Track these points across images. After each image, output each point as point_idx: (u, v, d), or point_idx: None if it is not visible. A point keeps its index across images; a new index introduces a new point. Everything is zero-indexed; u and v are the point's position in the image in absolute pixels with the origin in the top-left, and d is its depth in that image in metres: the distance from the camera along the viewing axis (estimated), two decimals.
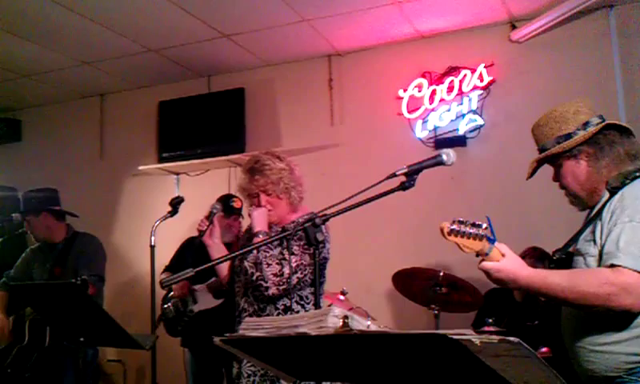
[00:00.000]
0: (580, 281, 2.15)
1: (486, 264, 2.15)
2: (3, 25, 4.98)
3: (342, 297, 4.31)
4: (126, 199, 6.47)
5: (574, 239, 2.40)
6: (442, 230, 2.12)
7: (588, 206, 2.46)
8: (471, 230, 2.10)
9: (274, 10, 4.82)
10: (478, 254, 2.15)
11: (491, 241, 2.13)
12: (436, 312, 4.14)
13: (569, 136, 2.43)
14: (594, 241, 2.26)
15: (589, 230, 2.34)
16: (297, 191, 3.16)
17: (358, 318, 1.46)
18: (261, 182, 3.12)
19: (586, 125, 2.42)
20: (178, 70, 6.00)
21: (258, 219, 3.08)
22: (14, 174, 6.72)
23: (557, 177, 2.54)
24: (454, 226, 2.11)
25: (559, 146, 2.44)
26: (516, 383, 1.27)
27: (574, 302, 2.16)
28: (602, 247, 2.21)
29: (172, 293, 4.52)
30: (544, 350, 3.72)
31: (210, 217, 3.27)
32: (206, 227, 3.25)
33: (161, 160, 6.14)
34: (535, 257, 4.42)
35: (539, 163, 2.56)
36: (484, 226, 2.12)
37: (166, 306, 4.53)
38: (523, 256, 4.47)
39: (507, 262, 2.15)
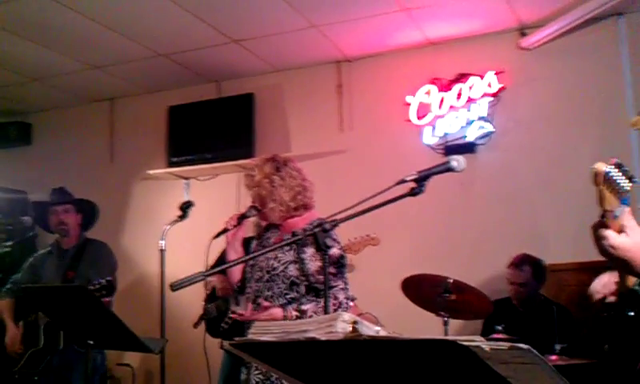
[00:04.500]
0: None
1: (610, 235, 1.73)
2: (13, 28, 5.01)
3: (350, 303, 4.31)
4: (135, 203, 6.49)
5: None
6: (596, 174, 1.70)
7: None
8: (622, 183, 1.69)
9: (284, 16, 4.84)
10: (605, 213, 1.73)
11: (625, 202, 1.72)
12: (445, 319, 4.14)
13: None
14: None
15: None
16: (287, 197, 3.14)
17: (368, 324, 1.46)
18: (250, 185, 3.22)
19: None
20: (187, 74, 6.02)
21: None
22: (24, 177, 6.73)
23: None
24: (612, 171, 1.68)
25: None
26: None
27: None
28: None
29: (216, 292, 4.48)
30: (553, 358, 3.71)
31: (241, 218, 3.26)
32: (232, 226, 3.25)
33: (170, 164, 6.16)
34: (510, 263, 4.45)
35: None
36: (636, 179, 1.70)
37: (209, 305, 4.50)
38: (515, 264, 4.48)
39: (628, 242, 1.73)
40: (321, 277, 2.92)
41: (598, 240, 1.74)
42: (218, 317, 4.43)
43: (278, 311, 2.98)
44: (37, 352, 4.38)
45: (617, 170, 1.68)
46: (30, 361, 4.37)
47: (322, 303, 2.91)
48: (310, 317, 2.94)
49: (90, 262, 4.54)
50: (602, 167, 1.68)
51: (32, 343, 4.41)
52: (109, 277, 3.95)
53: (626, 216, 1.73)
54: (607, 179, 1.68)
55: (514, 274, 4.47)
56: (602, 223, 1.73)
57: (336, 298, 2.98)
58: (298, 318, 2.93)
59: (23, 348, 4.43)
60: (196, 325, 4.42)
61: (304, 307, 2.98)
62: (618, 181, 1.68)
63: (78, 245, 4.68)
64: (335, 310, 2.97)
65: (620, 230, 1.73)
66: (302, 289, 3.03)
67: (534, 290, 4.48)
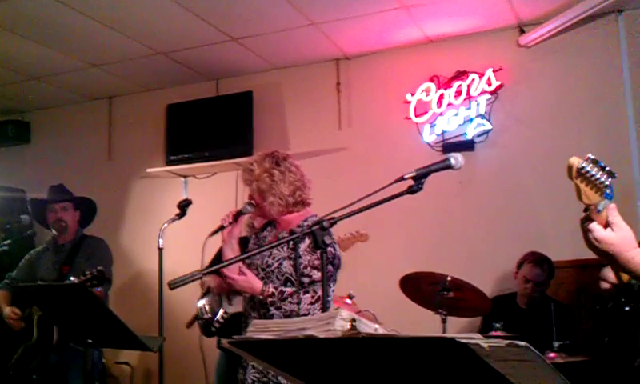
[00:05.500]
0: None
1: (594, 228, 1.75)
2: (12, 27, 5.00)
3: (349, 300, 4.31)
4: (133, 201, 6.48)
5: None
6: (570, 168, 1.71)
7: None
8: (600, 177, 1.70)
9: (283, 13, 4.83)
10: (587, 207, 1.76)
11: (608, 196, 1.74)
12: (443, 316, 4.14)
13: None
14: None
15: None
16: (287, 192, 3.13)
17: (366, 322, 1.46)
18: (249, 179, 3.21)
19: None
20: (186, 72, 6.02)
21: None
22: (23, 175, 6.74)
23: None
24: (587, 166, 1.69)
25: None
26: None
27: None
28: None
29: (209, 292, 4.47)
30: (551, 355, 3.70)
31: (237, 214, 3.25)
32: (228, 223, 3.24)
33: (169, 163, 6.15)
34: (533, 261, 4.43)
35: None
36: (616, 174, 1.72)
37: (200, 305, 4.48)
38: (522, 262, 4.47)
39: (612, 236, 1.76)
40: (307, 270, 2.98)
41: (585, 233, 1.77)
42: (212, 317, 4.41)
43: (256, 280, 3.00)
44: (30, 347, 4.37)
45: (592, 165, 1.69)
46: (24, 356, 4.36)
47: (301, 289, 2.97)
48: (286, 299, 2.96)
49: (85, 257, 4.54)
50: (575, 162, 1.70)
51: (26, 337, 4.40)
52: (99, 267, 3.93)
53: (610, 211, 1.74)
54: (581, 174, 1.70)
55: (536, 272, 4.41)
56: (589, 217, 1.75)
57: (315, 293, 2.98)
58: (274, 295, 2.96)
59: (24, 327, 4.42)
60: (189, 324, 4.39)
61: (283, 288, 2.98)
62: (596, 175, 1.69)
63: (74, 240, 4.69)
64: (313, 304, 2.97)
65: (606, 225, 1.74)
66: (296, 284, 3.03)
67: (545, 289, 4.48)
